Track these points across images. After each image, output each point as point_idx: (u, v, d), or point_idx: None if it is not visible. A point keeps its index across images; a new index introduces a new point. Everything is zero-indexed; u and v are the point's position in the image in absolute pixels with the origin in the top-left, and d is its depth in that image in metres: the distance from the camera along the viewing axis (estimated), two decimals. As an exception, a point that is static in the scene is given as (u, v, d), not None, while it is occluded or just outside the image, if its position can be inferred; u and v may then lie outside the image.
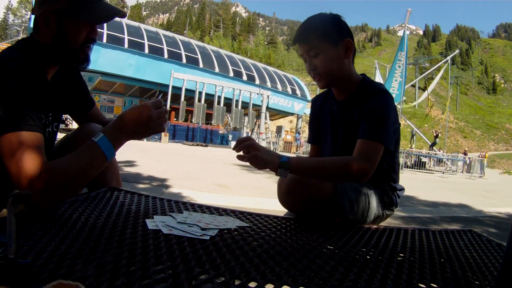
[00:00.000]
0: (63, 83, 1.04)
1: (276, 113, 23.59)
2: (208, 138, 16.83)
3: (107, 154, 0.81)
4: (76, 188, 0.81)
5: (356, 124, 1.04)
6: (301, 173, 0.93)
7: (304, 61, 1.08)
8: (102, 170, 1.13)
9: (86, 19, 0.87)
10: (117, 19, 0.98)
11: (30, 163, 0.72)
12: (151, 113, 0.83)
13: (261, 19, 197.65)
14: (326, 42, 1.01)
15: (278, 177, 1.03)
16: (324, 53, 1.02)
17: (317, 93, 1.35)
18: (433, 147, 20.07)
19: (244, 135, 18.94)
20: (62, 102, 1.05)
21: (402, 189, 1.18)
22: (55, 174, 0.74)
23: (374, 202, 1.05)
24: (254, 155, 0.88)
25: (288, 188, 0.98)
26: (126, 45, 15.54)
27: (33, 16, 0.89)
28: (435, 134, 21.52)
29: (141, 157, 6.15)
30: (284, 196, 1.01)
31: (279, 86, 21.42)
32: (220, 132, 18.92)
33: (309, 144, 1.30)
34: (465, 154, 21.49)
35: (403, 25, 17.51)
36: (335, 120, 1.14)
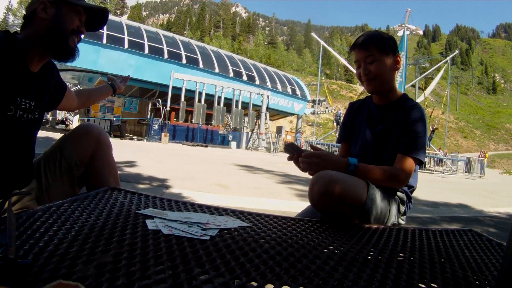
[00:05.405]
0: (45, 78, 1.08)
1: (276, 113, 23.57)
2: (208, 138, 16.82)
3: None
4: None
5: (393, 128, 1.19)
6: (360, 175, 1.10)
7: (357, 67, 1.23)
8: (101, 169, 1.15)
9: (79, 5, 1.02)
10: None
11: None
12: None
13: (261, 19, 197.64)
14: (383, 53, 1.18)
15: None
16: (380, 61, 1.18)
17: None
18: (429, 143, 19.36)
19: (244, 135, 18.95)
20: (44, 94, 1.09)
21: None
22: None
23: (394, 209, 1.15)
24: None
25: (326, 187, 0.98)
26: (126, 46, 15.53)
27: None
28: (431, 129, 20.43)
29: (141, 157, 6.15)
30: (319, 195, 0.99)
31: (279, 86, 21.41)
32: (220, 132, 18.91)
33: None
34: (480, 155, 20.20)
35: (403, 25, 17.49)
36: (372, 120, 1.26)
